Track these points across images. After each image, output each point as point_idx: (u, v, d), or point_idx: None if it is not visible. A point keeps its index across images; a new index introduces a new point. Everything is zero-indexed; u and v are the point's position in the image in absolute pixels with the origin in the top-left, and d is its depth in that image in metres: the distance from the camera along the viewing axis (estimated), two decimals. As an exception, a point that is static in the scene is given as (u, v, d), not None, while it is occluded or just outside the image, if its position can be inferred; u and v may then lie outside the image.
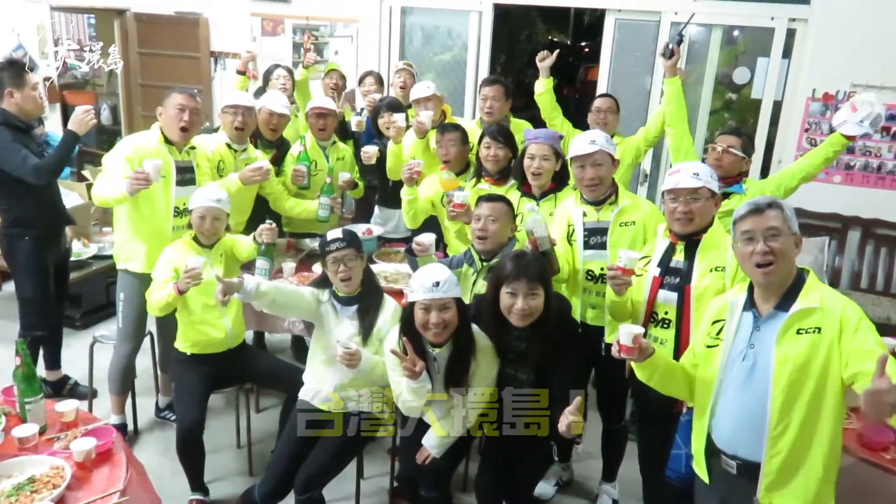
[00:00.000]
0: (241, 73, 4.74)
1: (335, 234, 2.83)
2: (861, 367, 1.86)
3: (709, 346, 2.19)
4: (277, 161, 3.97)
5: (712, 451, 2.17)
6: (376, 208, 4.43)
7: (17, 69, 3.48)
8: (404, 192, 3.59)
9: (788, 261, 2.03)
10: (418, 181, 3.62)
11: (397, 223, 4.31)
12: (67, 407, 2.50)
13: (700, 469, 2.22)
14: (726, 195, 3.20)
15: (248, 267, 3.40)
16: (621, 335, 2.14)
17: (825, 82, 4.95)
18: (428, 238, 3.15)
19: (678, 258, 2.56)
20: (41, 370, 3.88)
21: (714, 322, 2.20)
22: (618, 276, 2.51)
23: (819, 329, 1.95)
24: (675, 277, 2.55)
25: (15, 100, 3.44)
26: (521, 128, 3.88)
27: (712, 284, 2.47)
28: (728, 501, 2.16)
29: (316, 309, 2.91)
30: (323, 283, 2.94)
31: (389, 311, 2.88)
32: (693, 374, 2.25)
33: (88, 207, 5.08)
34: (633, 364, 2.24)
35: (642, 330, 2.17)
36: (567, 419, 2.25)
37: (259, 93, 4.61)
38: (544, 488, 3.38)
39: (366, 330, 2.83)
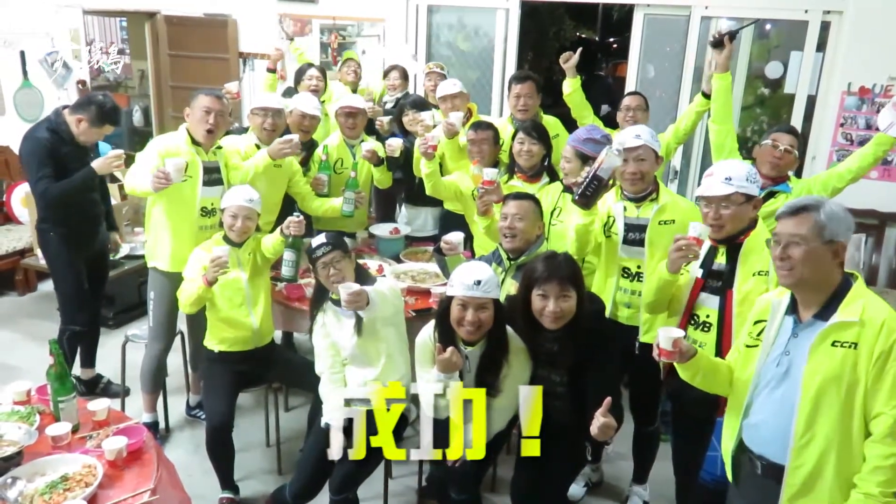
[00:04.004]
0: (272, 70, 4.77)
1: (319, 240, 2.86)
2: (875, 406, 1.86)
3: (748, 346, 2.15)
4: (306, 162, 3.98)
5: (742, 450, 2.14)
6: (403, 207, 4.43)
7: (106, 116, 3.52)
8: (423, 165, 3.60)
9: (811, 270, 1.93)
10: (445, 166, 3.63)
11: (424, 221, 4.31)
12: (100, 406, 2.53)
13: (727, 466, 2.20)
14: (772, 194, 3.14)
15: (277, 266, 3.41)
16: (661, 339, 2.10)
17: (861, 76, 4.83)
18: (456, 237, 3.14)
19: (720, 261, 2.51)
20: (76, 368, 3.96)
21: (756, 322, 2.15)
22: (690, 246, 2.40)
23: (855, 344, 1.88)
24: (718, 281, 2.50)
25: (79, 127, 3.51)
26: (550, 125, 3.86)
27: (755, 289, 2.41)
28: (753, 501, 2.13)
29: (321, 327, 2.94)
30: (319, 297, 2.96)
31: (384, 285, 2.88)
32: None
33: (121, 208, 5.16)
34: (676, 365, 2.20)
35: (682, 333, 2.14)
36: (599, 421, 2.22)
37: (288, 93, 4.64)
38: (574, 489, 3.34)
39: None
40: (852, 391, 1.88)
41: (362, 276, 2.93)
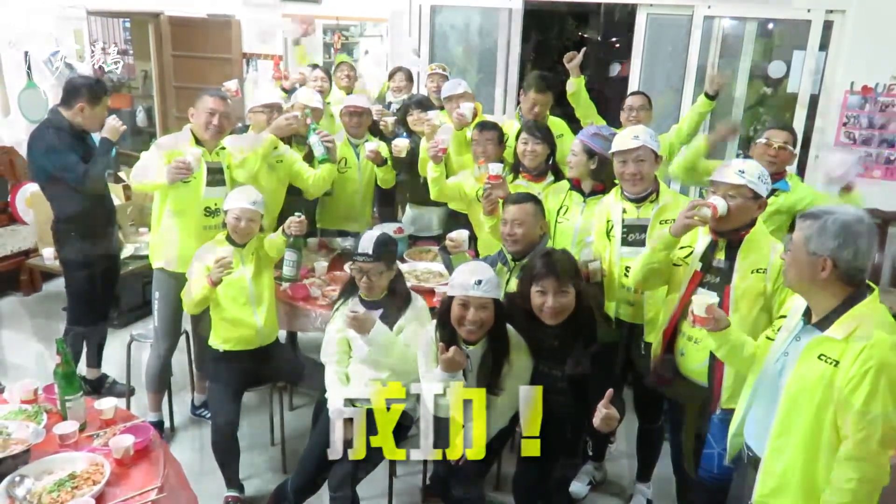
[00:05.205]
0: (286, 91, 4.80)
1: (366, 245, 2.82)
2: (843, 428, 1.86)
3: (767, 338, 2.19)
4: (310, 158, 3.98)
5: (741, 435, 2.20)
6: (407, 207, 4.43)
7: (98, 89, 3.58)
8: (430, 169, 3.59)
9: (795, 277, 1.98)
10: (451, 167, 3.62)
11: (428, 222, 4.31)
12: (106, 405, 2.54)
13: (729, 450, 2.26)
14: (771, 192, 3.14)
15: (278, 266, 3.42)
16: (695, 306, 2.16)
17: (864, 75, 4.83)
18: (461, 234, 3.14)
19: (719, 257, 2.52)
20: (82, 367, 3.97)
21: (781, 316, 2.19)
22: (703, 207, 2.40)
23: (837, 362, 1.86)
24: (716, 277, 2.51)
25: (84, 115, 3.55)
26: (555, 125, 3.86)
27: (753, 286, 2.43)
28: (741, 491, 2.16)
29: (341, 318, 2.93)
30: (350, 290, 2.97)
31: (416, 309, 2.89)
32: None
33: (125, 208, 5.17)
34: (707, 332, 2.23)
35: (716, 299, 2.19)
36: (601, 412, 2.24)
37: (293, 92, 4.66)
38: (577, 487, 3.35)
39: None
40: (823, 407, 1.87)
41: (397, 286, 2.92)
